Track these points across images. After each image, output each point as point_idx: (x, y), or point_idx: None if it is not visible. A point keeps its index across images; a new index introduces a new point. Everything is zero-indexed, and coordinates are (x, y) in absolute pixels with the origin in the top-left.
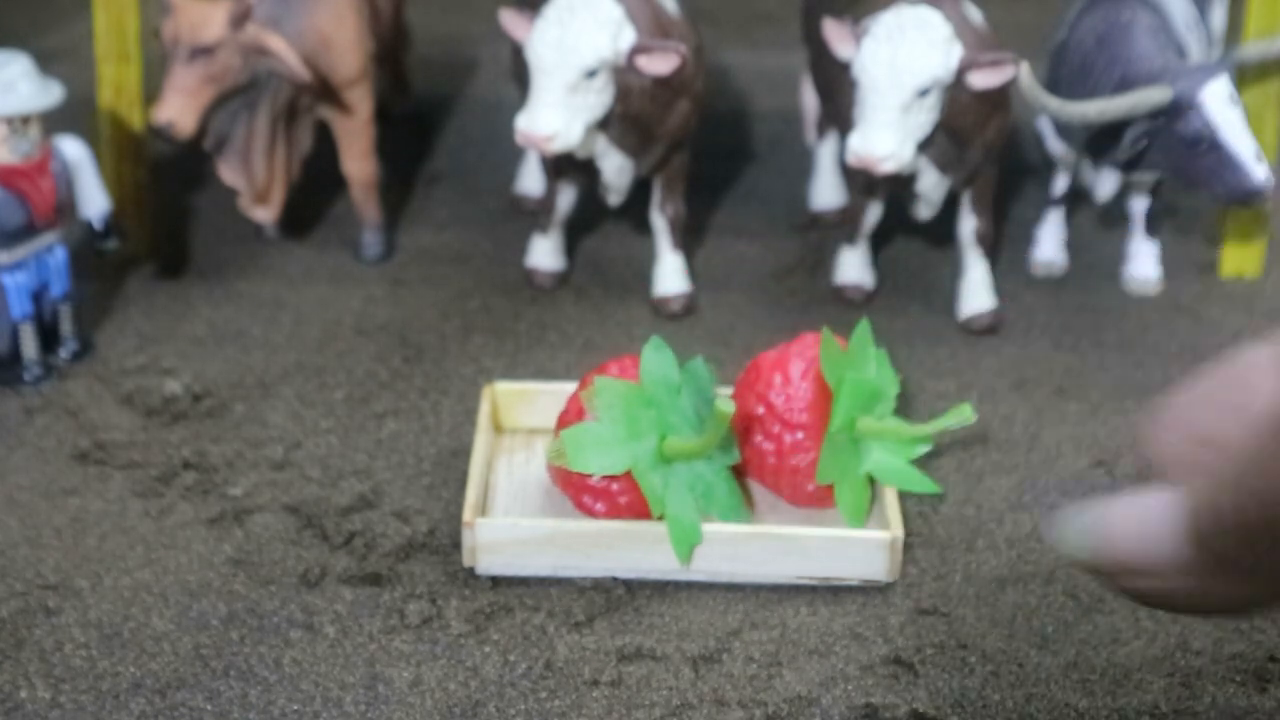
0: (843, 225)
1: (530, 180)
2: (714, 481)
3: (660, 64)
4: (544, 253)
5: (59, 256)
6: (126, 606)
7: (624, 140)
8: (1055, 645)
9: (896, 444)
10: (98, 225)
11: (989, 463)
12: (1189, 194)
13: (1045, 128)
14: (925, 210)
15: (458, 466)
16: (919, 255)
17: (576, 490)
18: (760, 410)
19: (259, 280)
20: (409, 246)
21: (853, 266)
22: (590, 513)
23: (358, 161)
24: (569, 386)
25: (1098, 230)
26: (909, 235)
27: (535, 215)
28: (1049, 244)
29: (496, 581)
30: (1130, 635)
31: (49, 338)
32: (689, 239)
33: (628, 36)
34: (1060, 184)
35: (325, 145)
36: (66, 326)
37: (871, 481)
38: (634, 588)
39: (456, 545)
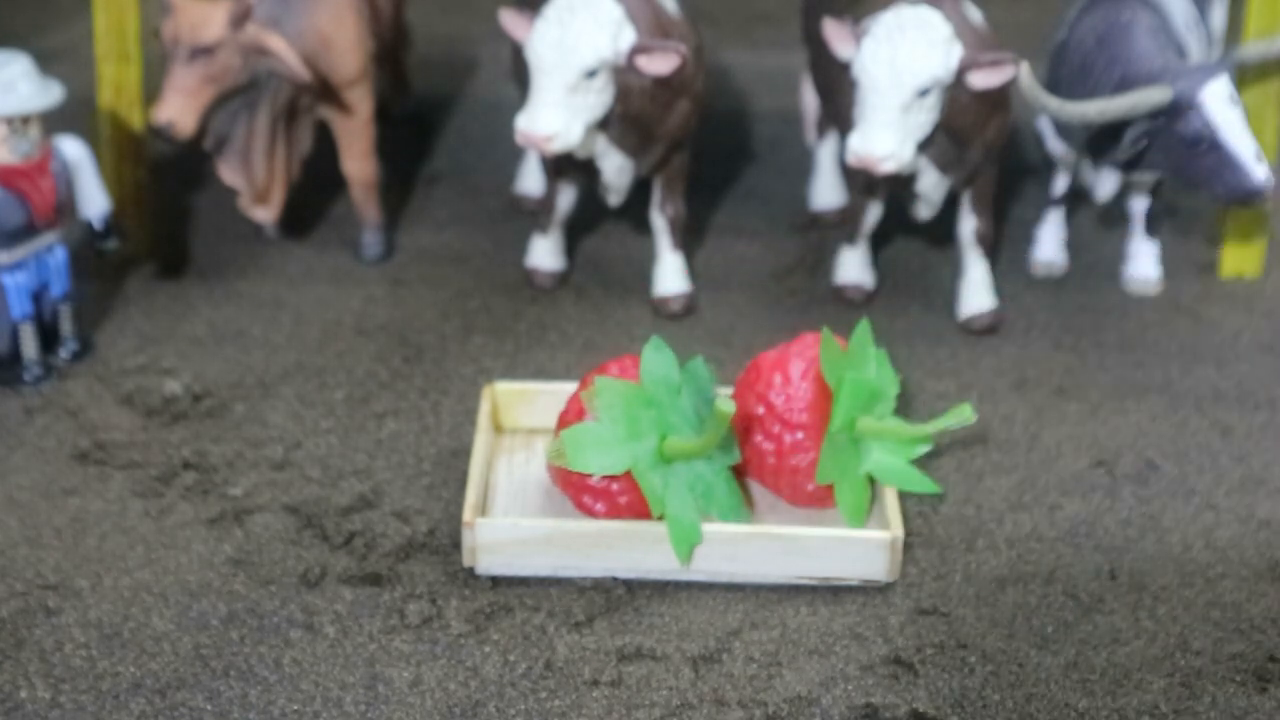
0: (843, 225)
1: (530, 180)
2: (714, 481)
3: (660, 64)
4: (544, 253)
5: (59, 256)
6: (126, 606)
7: (624, 140)
8: (1055, 645)
9: (896, 444)
10: (98, 225)
11: (989, 463)
12: (1189, 194)
13: (1045, 128)
14: (925, 210)
15: (458, 466)
16: (919, 255)
17: (576, 490)
18: (760, 410)
19: (259, 280)
20: (409, 246)
21: (853, 266)
22: (590, 513)
23: (358, 161)
24: (569, 386)
25: (1098, 230)
26: (909, 235)
27: (535, 215)
28: (1049, 244)
29: (496, 581)
30: (1130, 635)
31: (49, 338)
32: (689, 239)
33: (628, 36)
34: (1060, 184)
35: (325, 145)
36: (66, 326)
37: (871, 481)
38: (634, 588)
39: (456, 545)
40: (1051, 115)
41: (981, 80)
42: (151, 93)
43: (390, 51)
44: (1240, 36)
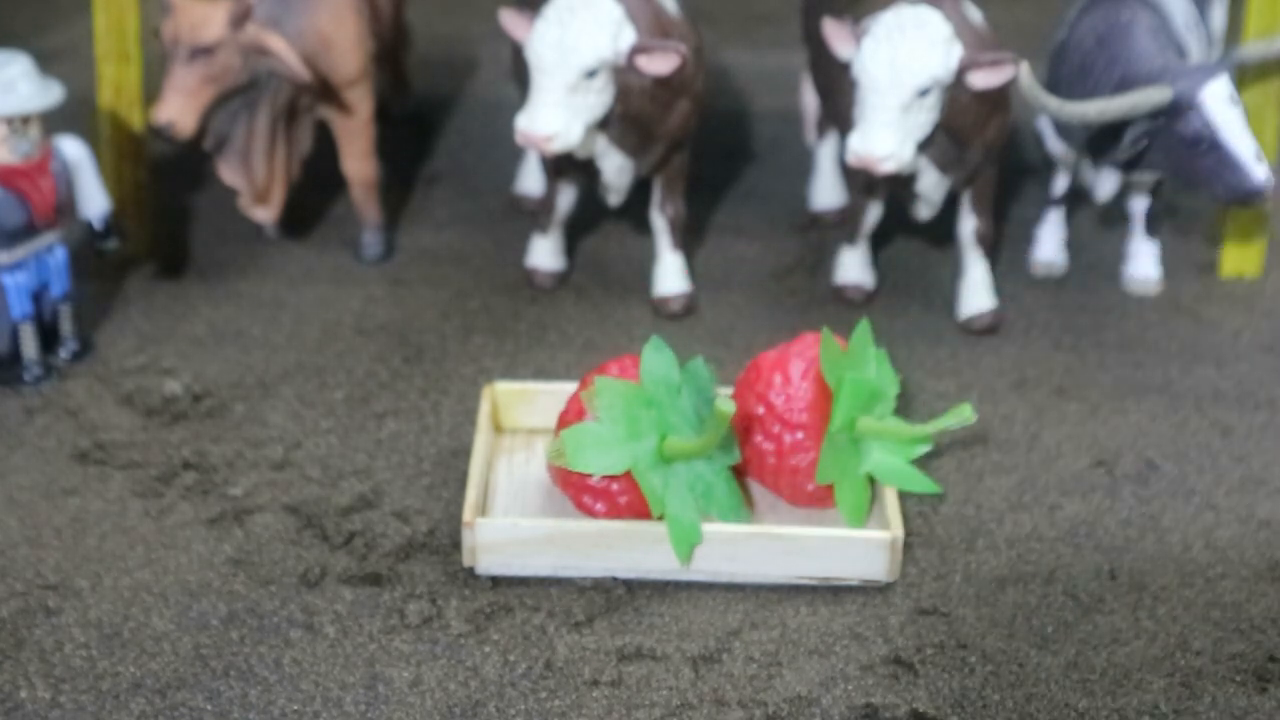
0: (843, 225)
1: (530, 180)
2: (714, 481)
3: (660, 64)
4: (544, 253)
5: (59, 256)
6: (126, 606)
7: (624, 140)
8: (1055, 645)
9: (896, 444)
10: (98, 225)
11: (989, 463)
12: (1189, 194)
13: (1045, 128)
14: (925, 210)
15: (458, 466)
16: (919, 255)
17: (576, 490)
18: (760, 410)
19: (259, 280)
20: (409, 246)
21: (853, 266)
22: (590, 513)
23: (358, 161)
24: (569, 386)
25: (1098, 230)
26: (909, 235)
27: (535, 215)
28: (1049, 244)
29: (496, 581)
30: (1130, 635)
31: (49, 338)
32: (689, 239)
33: (628, 36)
34: (1060, 184)
35: (325, 145)
36: (66, 326)
37: (871, 481)
38: (634, 588)
39: (456, 545)
40: (1051, 115)
41: (981, 80)
42: (151, 93)
43: (390, 51)
44: (1240, 36)
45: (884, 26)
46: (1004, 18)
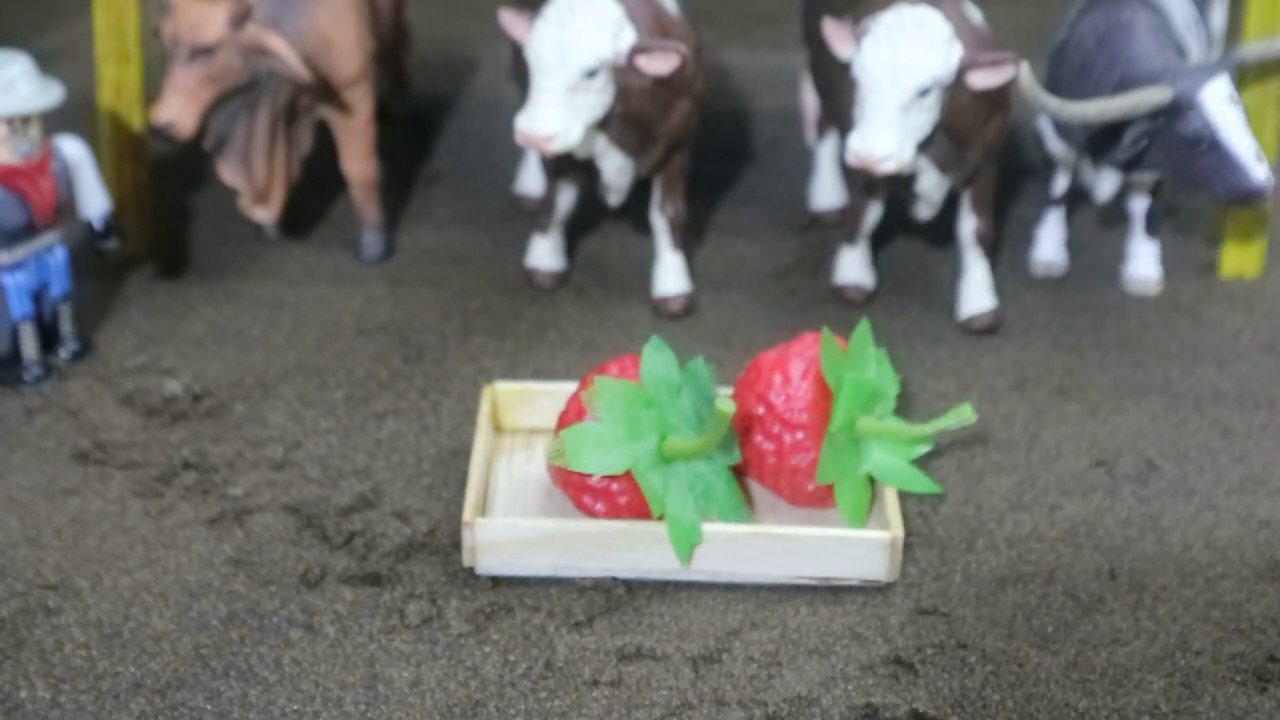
0: (843, 225)
1: (530, 180)
2: (714, 481)
3: (660, 64)
4: (544, 253)
5: (59, 256)
6: (126, 606)
7: (624, 140)
8: (1055, 645)
9: (896, 444)
10: (98, 225)
11: (989, 463)
12: (1189, 194)
13: (1045, 128)
14: (925, 210)
15: (458, 466)
16: (919, 255)
17: (576, 490)
18: (760, 410)
19: (259, 280)
20: (409, 246)
21: (853, 266)
22: (590, 513)
23: (358, 161)
24: (569, 386)
25: (1098, 230)
26: (909, 235)
27: (535, 215)
28: (1049, 244)
29: (496, 581)
30: (1130, 635)
31: (49, 338)
32: (689, 239)
33: (628, 36)
34: (1060, 184)
35: (325, 145)
36: (66, 326)
37: (871, 481)
38: (634, 588)
39: (456, 545)
40: (1051, 115)
41: (981, 80)
42: (151, 93)
43: (390, 51)
44: (1240, 36)
45: (884, 26)
46: (1004, 18)
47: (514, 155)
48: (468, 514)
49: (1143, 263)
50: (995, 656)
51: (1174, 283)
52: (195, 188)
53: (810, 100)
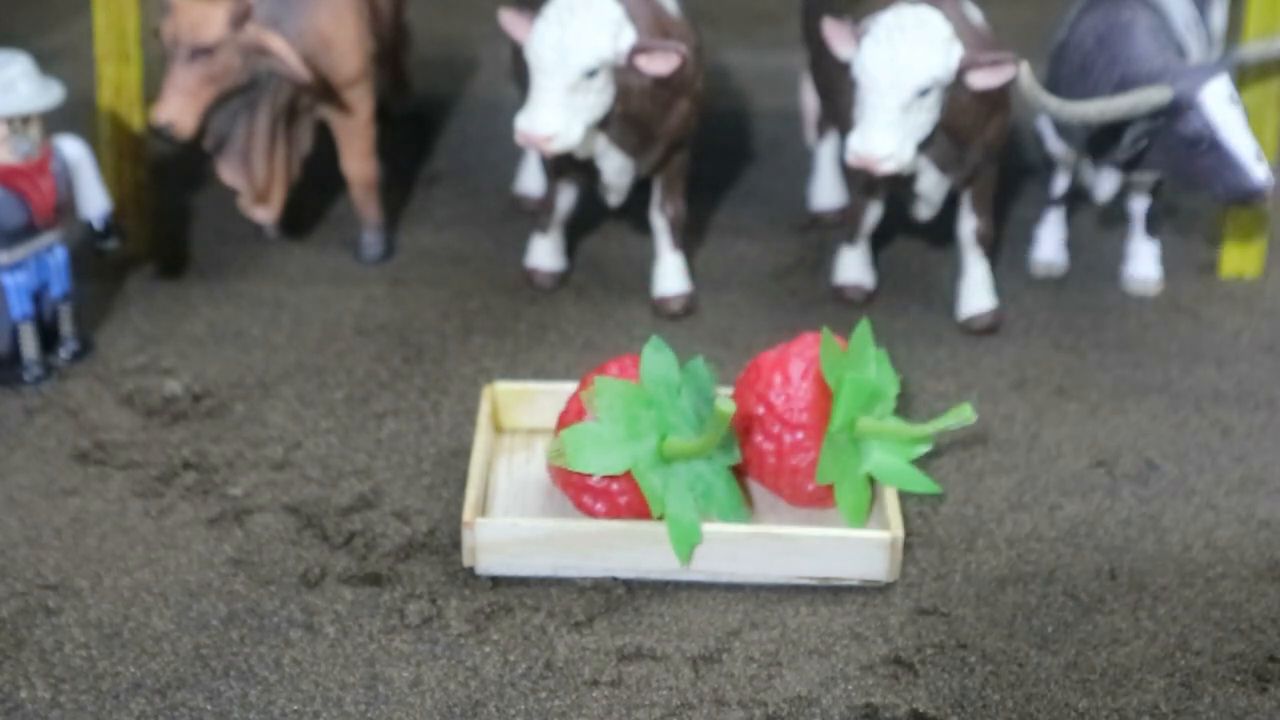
0: (843, 225)
1: (530, 180)
2: (714, 481)
3: (660, 64)
4: (544, 253)
5: (59, 256)
6: (126, 606)
7: (624, 140)
8: (1055, 645)
9: (896, 444)
10: (98, 225)
11: (989, 463)
12: (1189, 194)
13: (1045, 128)
14: (925, 210)
15: (458, 466)
16: (919, 255)
17: (576, 490)
18: (760, 410)
19: (259, 280)
20: (409, 246)
21: (853, 266)
22: (590, 513)
23: (358, 161)
24: (569, 386)
25: (1098, 230)
26: (909, 235)
27: (535, 215)
28: (1049, 244)
29: (496, 581)
30: (1130, 635)
31: (49, 338)
32: (689, 239)
33: (628, 36)
34: (1060, 184)
35: (325, 145)
36: (66, 326)
37: (871, 481)
38: (634, 588)
39: (456, 545)
40: (1051, 115)
41: (981, 80)
42: (151, 93)
43: (390, 51)
44: (1240, 36)
45: (884, 26)
46: (1004, 18)
47: (514, 155)
48: (468, 514)
49: (1143, 263)
50: (995, 656)
51: (1174, 283)
52: (195, 188)
53: (810, 100)
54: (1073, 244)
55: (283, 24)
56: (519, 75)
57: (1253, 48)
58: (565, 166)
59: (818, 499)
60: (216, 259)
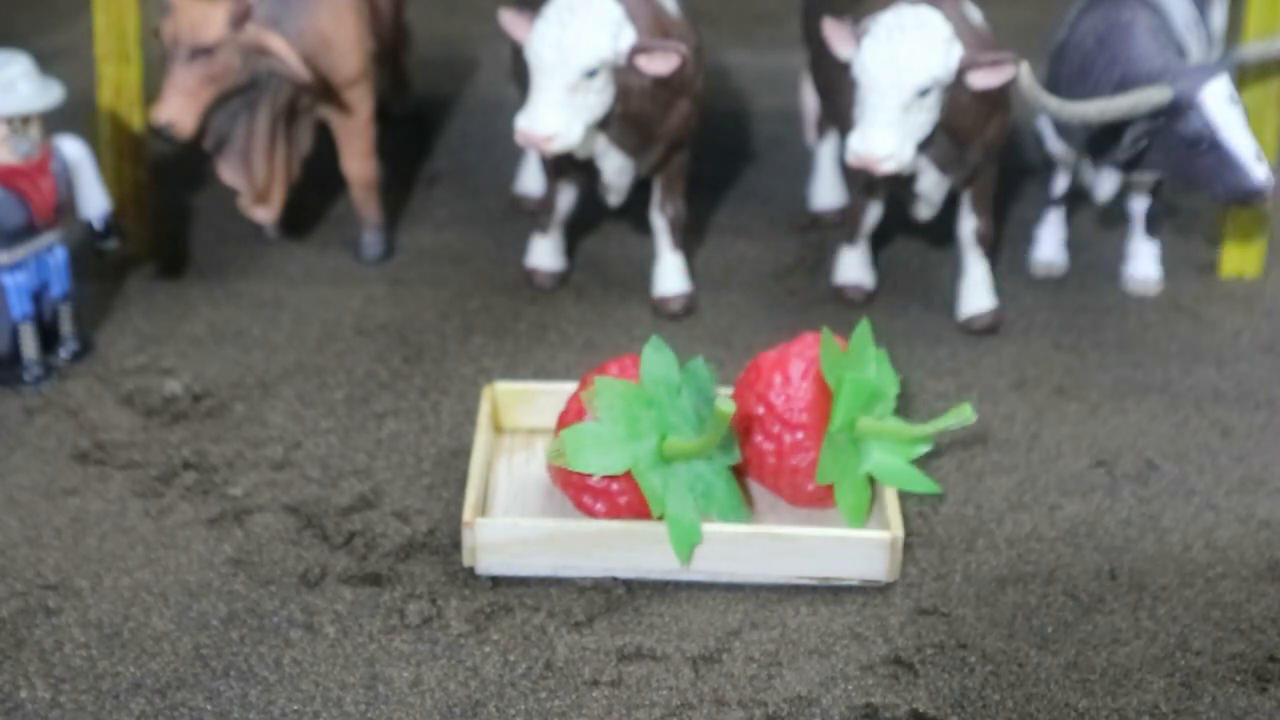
0: (843, 225)
1: (530, 180)
2: (714, 481)
3: (660, 64)
4: (544, 253)
5: (59, 256)
6: (126, 606)
7: (624, 140)
8: (1055, 645)
9: (896, 444)
10: (98, 225)
11: (989, 463)
12: (1189, 194)
13: (1045, 128)
14: (925, 210)
15: (458, 466)
16: (919, 255)
17: (576, 490)
18: (760, 410)
19: (259, 280)
20: (409, 246)
21: (853, 266)
22: (590, 513)
23: (358, 161)
24: (569, 386)
25: (1098, 230)
26: (909, 235)
27: (535, 215)
28: (1049, 244)
29: (496, 581)
30: (1130, 635)
31: (49, 338)
32: (689, 239)
33: (628, 36)
34: (1060, 184)
35: (325, 145)
36: (66, 326)
37: (871, 481)
38: (634, 588)
39: (456, 545)
40: (1051, 115)
41: (981, 80)
42: (151, 93)
43: (390, 51)
44: (1240, 36)
45: (884, 26)
46: (1004, 18)
47: (514, 155)
48: (468, 514)
49: (1143, 263)
50: (995, 656)
51: (1174, 283)
52: (195, 188)
53: (810, 100)
54: (1073, 244)
55: (283, 24)
56: (519, 75)
57: (1253, 48)
58: (565, 166)
59: (818, 499)
60: (216, 259)
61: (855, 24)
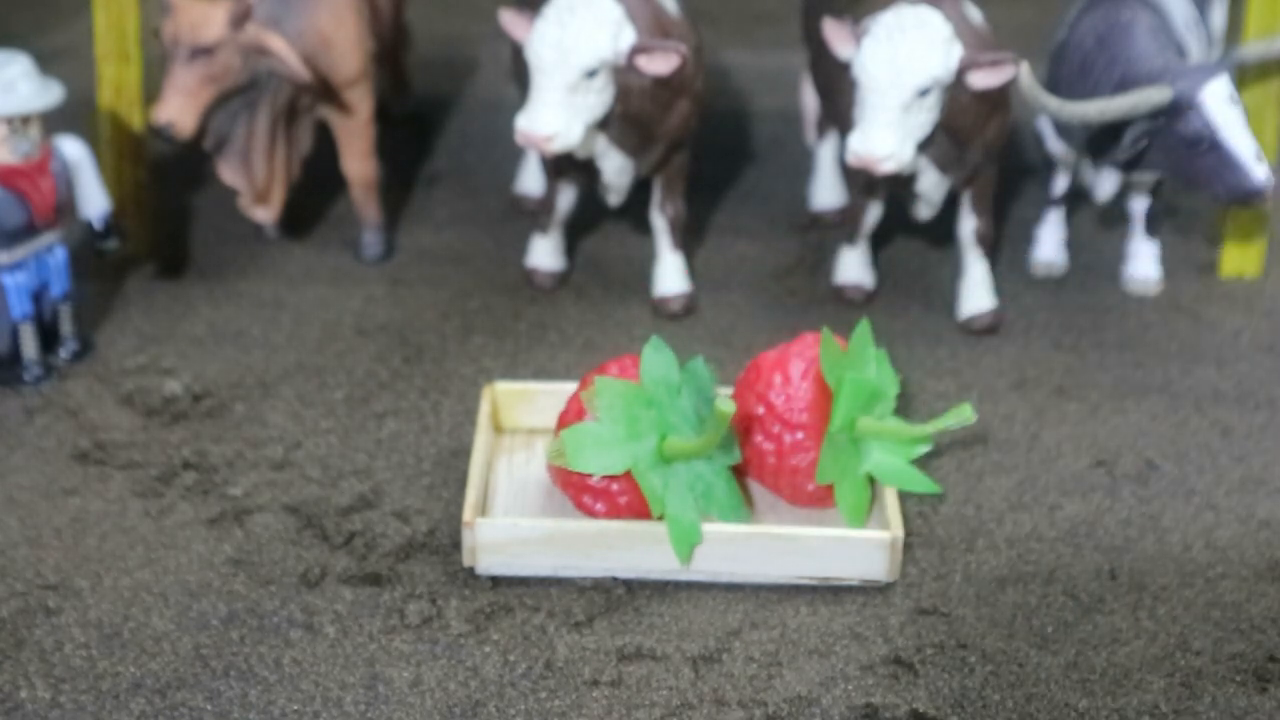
0: (843, 225)
1: (530, 180)
2: (714, 481)
3: (660, 64)
4: (544, 253)
5: (59, 256)
6: (126, 606)
7: (624, 140)
8: (1055, 645)
9: (896, 444)
10: (98, 225)
11: (989, 463)
12: (1189, 194)
13: (1045, 128)
14: (925, 210)
15: (458, 466)
16: (919, 255)
17: (576, 490)
18: (760, 410)
19: (259, 280)
20: (409, 246)
21: (853, 266)
22: (590, 513)
23: (358, 161)
24: (569, 386)
25: (1098, 230)
26: (909, 235)
27: (535, 215)
28: (1049, 244)
29: (496, 581)
30: (1130, 635)
31: (49, 338)
32: (689, 239)
33: (628, 36)
34: (1060, 184)
35: (325, 145)
36: (66, 326)
37: (871, 481)
38: (634, 588)
39: (456, 545)
40: (1051, 115)
41: (981, 80)
42: (151, 93)
43: (390, 51)
44: (1240, 36)
45: (884, 26)
46: (1004, 18)
47: (514, 155)
48: (468, 514)
49: (1143, 263)
50: (995, 656)
51: (1174, 283)
52: (195, 188)
53: (810, 100)
54: (1073, 244)
55: (283, 24)
56: (519, 75)
57: (1253, 48)
58: (565, 166)
59: (818, 499)
60: (216, 259)
61: (855, 24)
